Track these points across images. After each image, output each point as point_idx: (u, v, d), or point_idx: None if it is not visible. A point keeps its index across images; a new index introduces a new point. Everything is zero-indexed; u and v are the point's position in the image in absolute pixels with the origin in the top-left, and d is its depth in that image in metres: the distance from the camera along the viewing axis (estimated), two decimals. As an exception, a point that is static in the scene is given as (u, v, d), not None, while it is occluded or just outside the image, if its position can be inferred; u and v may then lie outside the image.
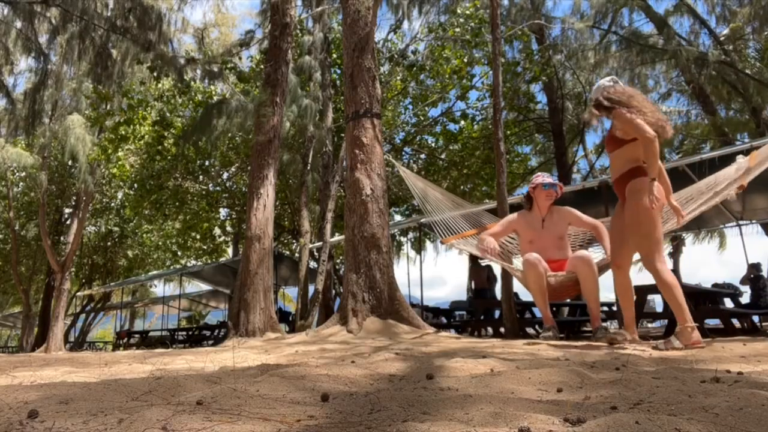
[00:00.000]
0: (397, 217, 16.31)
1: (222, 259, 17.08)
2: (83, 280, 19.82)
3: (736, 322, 6.44)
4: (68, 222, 17.07)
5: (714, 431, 0.99)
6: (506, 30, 12.25)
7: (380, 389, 1.55)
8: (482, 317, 7.71)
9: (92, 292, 18.14)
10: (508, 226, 4.36)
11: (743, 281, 7.41)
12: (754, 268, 7.40)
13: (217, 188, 16.03)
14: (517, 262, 4.41)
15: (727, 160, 6.44)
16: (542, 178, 4.27)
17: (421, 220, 9.79)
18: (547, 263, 3.95)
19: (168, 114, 13.23)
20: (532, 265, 3.80)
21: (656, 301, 13.66)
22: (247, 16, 33.67)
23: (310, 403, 1.34)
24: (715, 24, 13.00)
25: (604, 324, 3.96)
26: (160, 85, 12.86)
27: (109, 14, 9.18)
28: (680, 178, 7.10)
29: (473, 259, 9.29)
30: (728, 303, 6.69)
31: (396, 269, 9.97)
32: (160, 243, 19.64)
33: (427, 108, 14.95)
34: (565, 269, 3.95)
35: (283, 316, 13.03)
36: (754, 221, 9.59)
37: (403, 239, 16.54)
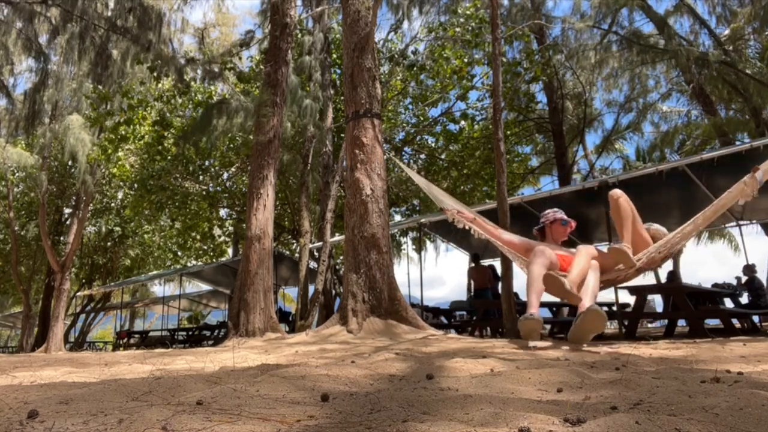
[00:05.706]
0: (397, 217, 16.31)
1: (222, 259, 17.07)
2: (83, 280, 19.81)
3: (736, 322, 6.44)
4: (68, 222, 17.05)
5: (714, 431, 0.99)
6: (506, 30, 12.26)
7: (380, 389, 1.55)
8: (482, 317, 7.70)
9: (92, 292, 18.13)
10: (525, 242, 4.22)
11: (740, 286, 7.45)
12: (749, 269, 7.42)
13: (217, 188, 16.03)
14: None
15: (727, 160, 6.45)
16: (560, 213, 4.22)
17: (421, 220, 9.75)
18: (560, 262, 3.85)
19: (168, 114, 13.22)
20: (539, 252, 3.73)
21: (656, 301, 13.67)
22: (247, 16, 33.81)
23: (310, 403, 1.34)
24: (716, 24, 13.02)
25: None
26: (160, 85, 12.86)
27: (109, 14, 9.18)
28: (681, 179, 7.10)
29: (475, 259, 9.30)
30: (728, 303, 6.70)
31: (396, 269, 9.96)
32: (161, 243, 19.65)
33: (427, 108, 14.95)
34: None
35: (283, 316, 13.02)
36: (754, 221, 9.59)
37: (403, 239, 16.54)
